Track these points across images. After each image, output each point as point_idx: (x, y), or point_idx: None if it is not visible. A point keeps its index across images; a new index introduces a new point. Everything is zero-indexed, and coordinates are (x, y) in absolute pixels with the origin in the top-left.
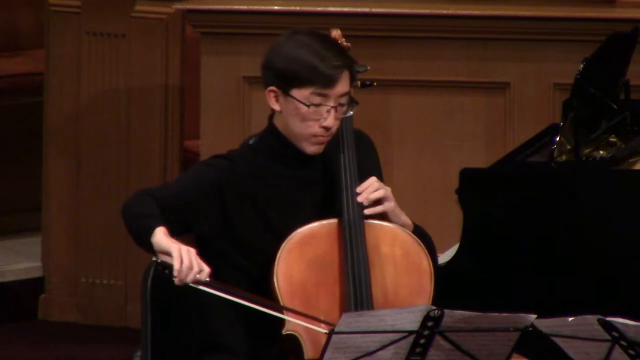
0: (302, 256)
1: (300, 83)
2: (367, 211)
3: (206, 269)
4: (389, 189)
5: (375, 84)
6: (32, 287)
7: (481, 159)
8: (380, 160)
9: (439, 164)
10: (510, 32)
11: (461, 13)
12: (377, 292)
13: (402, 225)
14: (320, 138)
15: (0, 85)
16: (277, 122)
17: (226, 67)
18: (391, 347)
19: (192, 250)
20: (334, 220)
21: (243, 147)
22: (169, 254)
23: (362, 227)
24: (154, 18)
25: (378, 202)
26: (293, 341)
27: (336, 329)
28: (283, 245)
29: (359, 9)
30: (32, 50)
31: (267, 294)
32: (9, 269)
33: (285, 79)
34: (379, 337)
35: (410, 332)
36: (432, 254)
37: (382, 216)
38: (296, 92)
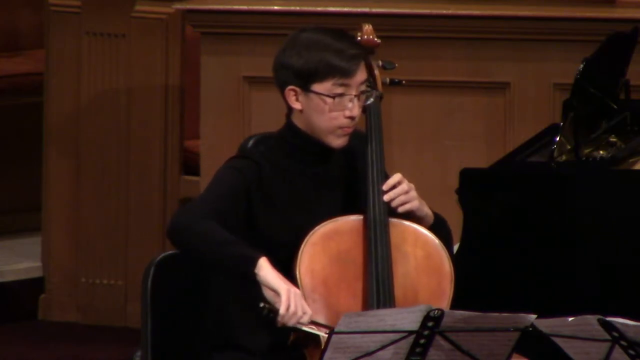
0: (325, 250)
1: (321, 76)
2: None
3: (308, 312)
4: (412, 186)
5: (404, 82)
6: (32, 287)
7: (481, 159)
8: None
9: (439, 164)
10: (510, 32)
11: (461, 13)
12: (398, 292)
13: (424, 217)
14: (346, 129)
15: (0, 85)
16: (297, 121)
17: (226, 67)
18: (391, 347)
19: (299, 293)
20: (358, 217)
21: (264, 146)
22: (276, 292)
23: (387, 225)
24: (154, 18)
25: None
26: (312, 337)
27: (336, 329)
28: (307, 238)
29: (359, 9)
30: (32, 50)
31: None
32: (9, 269)
33: (303, 76)
34: (379, 337)
35: (410, 332)
36: (449, 241)
37: (407, 214)
38: (317, 87)
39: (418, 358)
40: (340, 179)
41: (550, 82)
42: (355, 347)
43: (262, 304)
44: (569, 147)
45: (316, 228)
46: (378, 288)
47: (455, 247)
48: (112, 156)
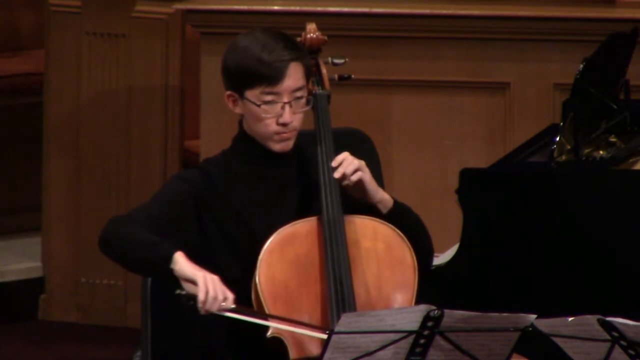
0: (283, 256)
1: (250, 83)
2: (345, 183)
3: (230, 296)
4: (362, 162)
5: (353, 76)
6: (32, 287)
7: (481, 159)
8: (380, 161)
9: (439, 164)
10: (510, 32)
11: (461, 13)
12: (359, 289)
13: (380, 200)
14: (283, 135)
15: (0, 85)
16: (245, 125)
17: None
18: (391, 347)
19: (216, 278)
20: (313, 219)
21: (220, 155)
22: (193, 282)
23: (342, 224)
24: (154, 18)
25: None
26: (277, 343)
27: (336, 329)
28: (264, 246)
29: (359, 9)
30: (32, 50)
31: (250, 298)
32: (9, 269)
33: (237, 80)
34: (379, 337)
35: (410, 332)
36: (418, 229)
37: (361, 191)
38: (249, 93)
39: (418, 358)
40: (297, 180)
41: (550, 82)
42: (355, 347)
43: (177, 291)
44: (569, 147)
45: (273, 234)
46: (336, 288)
47: (455, 248)
48: (112, 156)
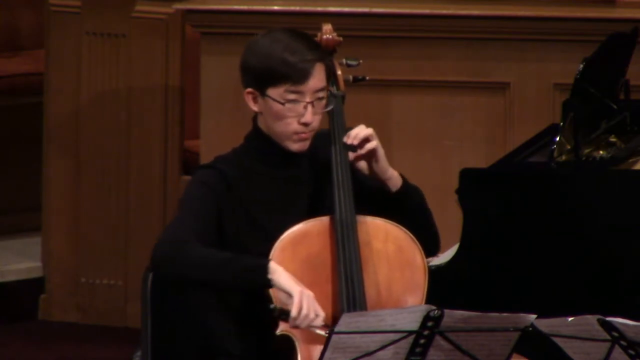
0: (294, 255)
1: (274, 81)
2: (353, 155)
3: (321, 315)
4: (372, 129)
5: (367, 77)
6: (32, 287)
7: (481, 159)
8: None
9: (439, 164)
10: (510, 32)
11: (461, 13)
12: (370, 290)
13: (390, 177)
14: (302, 135)
15: (0, 85)
16: (260, 123)
17: (226, 67)
18: (391, 347)
19: (311, 295)
20: (325, 218)
21: (232, 152)
22: (289, 294)
23: (354, 224)
24: (154, 18)
25: (366, 140)
26: (286, 342)
27: (336, 329)
28: (276, 245)
29: (359, 9)
30: (32, 50)
31: (261, 295)
32: (9, 269)
33: (260, 78)
34: (379, 337)
35: (410, 332)
36: (422, 210)
37: (373, 163)
38: (271, 91)
39: (418, 358)
40: (309, 180)
41: (550, 82)
42: (355, 347)
43: (272, 305)
44: (569, 147)
45: (285, 233)
46: (348, 288)
47: (455, 248)
48: (112, 156)
